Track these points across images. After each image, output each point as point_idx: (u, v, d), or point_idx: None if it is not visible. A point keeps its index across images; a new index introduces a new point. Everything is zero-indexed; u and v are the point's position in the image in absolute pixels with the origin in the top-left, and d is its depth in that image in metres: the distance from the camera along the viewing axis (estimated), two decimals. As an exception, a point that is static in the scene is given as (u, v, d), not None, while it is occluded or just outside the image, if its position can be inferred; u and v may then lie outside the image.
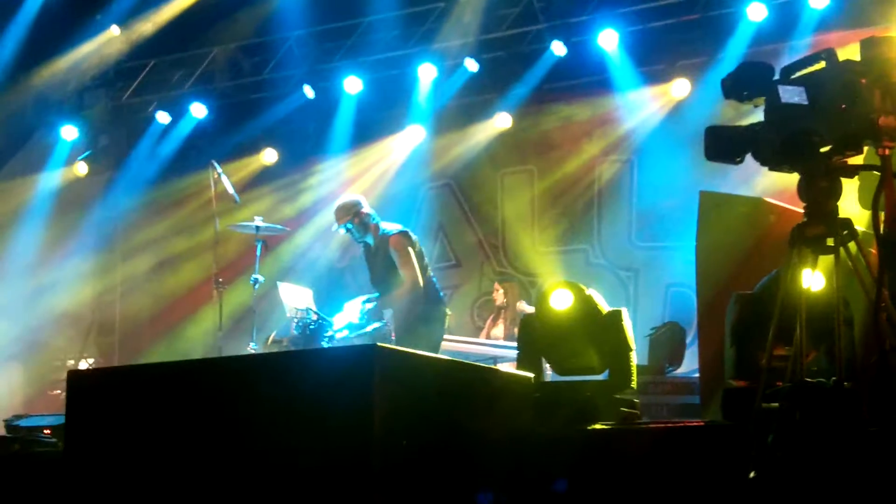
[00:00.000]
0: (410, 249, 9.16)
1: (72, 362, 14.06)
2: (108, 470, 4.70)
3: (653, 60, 12.49)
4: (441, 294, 9.52)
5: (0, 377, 13.60)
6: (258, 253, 9.81)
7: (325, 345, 9.00)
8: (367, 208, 9.44)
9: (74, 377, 5.09)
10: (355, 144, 14.15)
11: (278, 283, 9.90)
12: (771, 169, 4.45)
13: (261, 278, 9.68)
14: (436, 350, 8.83)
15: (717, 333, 5.54)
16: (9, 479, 6.02)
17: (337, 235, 9.99)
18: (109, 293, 15.41)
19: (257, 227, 9.84)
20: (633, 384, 5.96)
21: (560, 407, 5.64)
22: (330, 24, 13.48)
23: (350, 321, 9.25)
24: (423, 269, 9.22)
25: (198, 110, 14.22)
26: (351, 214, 9.38)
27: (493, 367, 5.77)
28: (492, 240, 13.91)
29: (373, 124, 14.03)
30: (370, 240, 9.40)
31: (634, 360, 6.01)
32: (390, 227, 9.37)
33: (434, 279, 9.46)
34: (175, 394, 4.66)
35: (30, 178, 14.74)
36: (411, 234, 9.38)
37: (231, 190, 9.61)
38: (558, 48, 12.35)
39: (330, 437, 4.18)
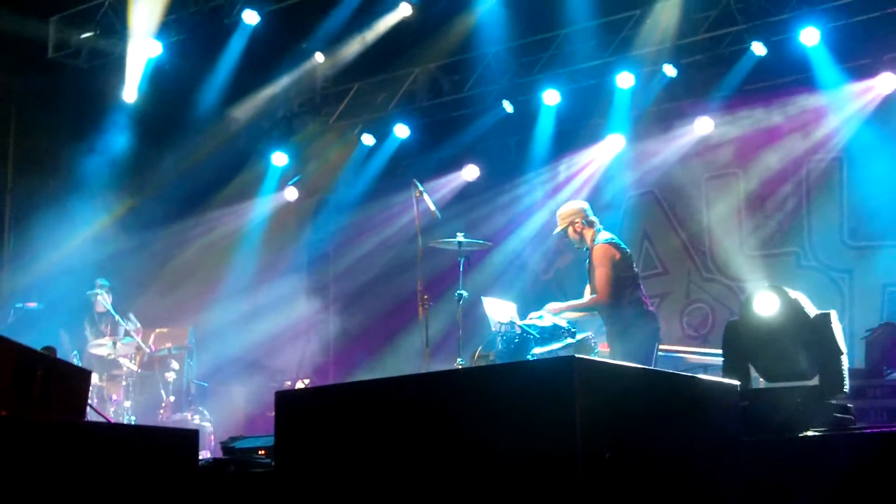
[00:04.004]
0: (609, 261, 9.10)
1: (289, 383, 14.49)
2: (320, 489, 4.79)
3: (857, 55, 12.15)
4: (644, 305, 9.24)
5: (221, 398, 14.10)
6: (461, 268, 9.89)
7: (530, 357, 9.00)
8: (587, 216, 9.43)
9: (282, 397, 5.16)
10: (555, 156, 14.25)
11: (482, 297, 9.97)
12: None
13: (465, 293, 9.74)
14: (645, 362, 8.67)
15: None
16: (225, 501, 6.19)
17: (547, 243, 9.91)
18: (322, 313, 15.86)
19: (459, 243, 9.92)
20: (846, 388, 5.78)
21: (769, 414, 5.52)
22: (527, 38, 13.56)
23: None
24: (627, 280, 9.14)
25: (401, 131, 14.55)
26: (567, 221, 9.44)
27: (695, 375, 5.64)
28: (698, 245, 13.70)
29: (572, 135, 14.07)
30: (585, 247, 9.41)
31: (846, 363, 5.83)
32: (602, 236, 9.31)
33: (640, 290, 9.28)
34: (382, 410, 4.71)
35: (244, 204, 15.35)
36: (616, 244, 9.26)
37: (432, 206, 9.75)
38: (758, 48, 12.11)
39: (533, 450, 4.17)
